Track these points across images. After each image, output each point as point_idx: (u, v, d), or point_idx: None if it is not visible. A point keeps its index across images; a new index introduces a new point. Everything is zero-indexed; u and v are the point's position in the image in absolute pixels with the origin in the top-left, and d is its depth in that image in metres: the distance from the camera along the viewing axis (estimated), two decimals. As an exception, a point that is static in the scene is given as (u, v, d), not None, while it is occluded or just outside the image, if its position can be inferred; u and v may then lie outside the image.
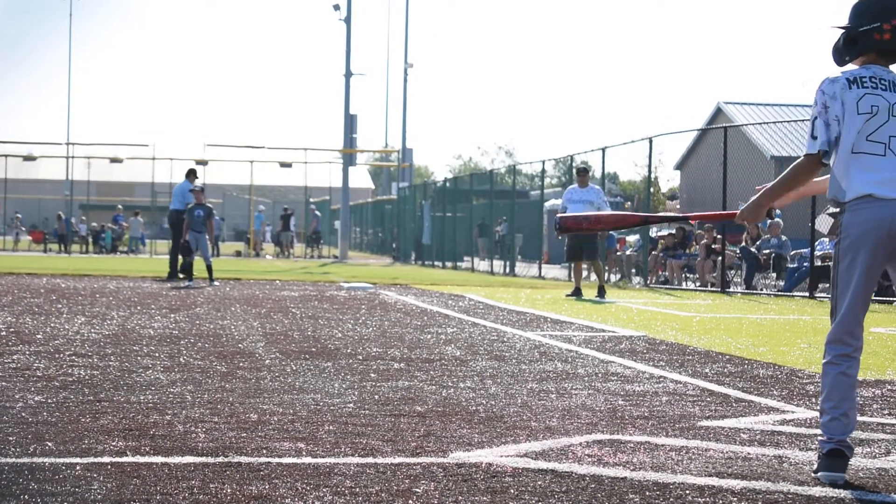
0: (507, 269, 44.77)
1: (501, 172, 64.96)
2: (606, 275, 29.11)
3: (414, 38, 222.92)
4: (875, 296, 26.09)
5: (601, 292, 26.29)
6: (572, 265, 27.84)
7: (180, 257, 29.95)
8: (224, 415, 8.50)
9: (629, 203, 60.41)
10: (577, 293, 26.34)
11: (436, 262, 52.59)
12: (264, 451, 7.12)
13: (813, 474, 6.72)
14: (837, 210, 6.76)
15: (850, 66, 6.85)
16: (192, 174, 31.90)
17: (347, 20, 56.10)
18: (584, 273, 32.42)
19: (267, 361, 11.95)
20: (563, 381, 10.81)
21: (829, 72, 6.90)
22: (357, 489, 6.17)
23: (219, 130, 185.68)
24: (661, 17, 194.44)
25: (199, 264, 29.52)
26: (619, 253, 37.96)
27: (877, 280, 6.77)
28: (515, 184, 53.70)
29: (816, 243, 28.56)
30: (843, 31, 6.83)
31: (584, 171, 27.76)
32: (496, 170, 61.88)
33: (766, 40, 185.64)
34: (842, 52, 6.85)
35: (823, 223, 29.21)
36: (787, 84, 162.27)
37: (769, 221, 32.48)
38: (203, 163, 63.78)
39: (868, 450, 7.61)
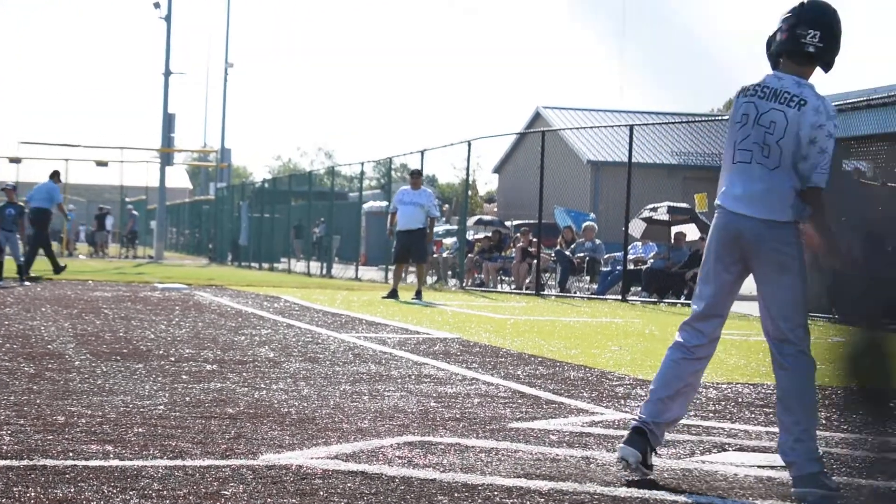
0: (324, 271, 44.66)
1: (320, 174, 64.81)
2: (424, 277, 29.25)
3: (234, 37, 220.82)
4: (687, 299, 26.61)
5: (419, 295, 26.37)
6: (394, 266, 27.87)
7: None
8: (30, 417, 8.33)
9: (447, 206, 60.75)
10: (393, 295, 26.38)
11: (252, 264, 52.22)
12: (71, 454, 6.99)
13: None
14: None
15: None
16: (55, 175, 31.46)
17: (167, 18, 55.37)
18: (403, 275, 32.51)
19: (77, 363, 11.74)
20: (376, 383, 10.82)
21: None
22: (165, 492, 6.10)
23: (33, 128, 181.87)
24: (480, 20, 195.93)
25: (11, 264, 28.89)
26: (435, 255, 38.12)
27: (734, 284, 6.91)
28: (334, 185, 53.61)
29: (629, 247, 29.04)
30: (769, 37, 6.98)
31: (416, 174, 27.89)
32: (315, 171, 61.73)
33: (584, 46, 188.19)
34: (769, 58, 6.99)
35: (636, 227, 29.73)
36: (605, 90, 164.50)
37: (584, 224, 32.96)
38: (16, 160, 62.43)
39: (673, 451, 7.75)
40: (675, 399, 6.91)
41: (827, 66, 6.86)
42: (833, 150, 6.75)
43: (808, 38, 6.76)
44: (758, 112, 6.78)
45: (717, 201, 6.92)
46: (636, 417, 6.96)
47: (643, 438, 6.82)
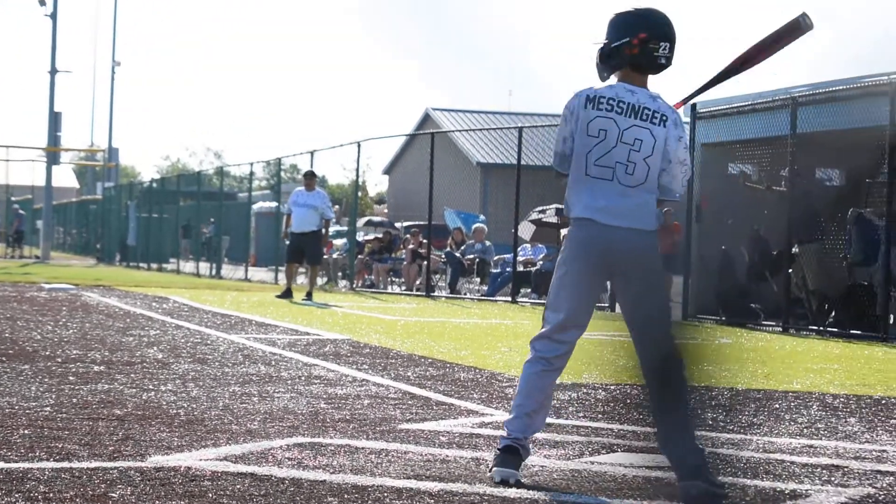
0: (214, 272, 44.38)
1: (209, 174, 64.38)
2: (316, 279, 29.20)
3: (122, 36, 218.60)
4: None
5: (309, 296, 26.38)
6: (287, 266, 27.83)
7: None
8: (-88, 419, 8.19)
9: (338, 206, 60.62)
10: (287, 294, 26.37)
11: (141, 264, 51.74)
12: (-46, 457, 6.89)
13: (488, 472, 6.83)
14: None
15: (611, 80, 6.89)
16: None
17: (53, 16, 54.66)
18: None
19: (-40, 364, 11.57)
20: (265, 385, 10.78)
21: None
22: (51, 494, 6.03)
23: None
24: (369, 21, 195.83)
25: None
26: (325, 256, 38.01)
27: (594, 294, 6.94)
28: (223, 185, 53.29)
29: (519, 249, 29.18)
30: (599, 46, 6.87)
31: (310, 176, 27.91)
32: (204, 171, 61.30)
33: (474, 48, 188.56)
34: (600, 68, 6.91)
35: (526, 230, 29.88)
36: (495, 92, 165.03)
37: (474, 226, 33.06)
38: None
39: (563, 451, 7.81)
40: (539, 412, 6.94)
41: (662, 71, 6.90)
42: (687, 163, 6.85)
43: (660, 52, 6.79)
44: (619, 129, 6.73)
45: (577, 214, 6.82)
46: (505, 436, 6.88)
47: (517, 456, 6.80)
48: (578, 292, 6.86)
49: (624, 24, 6.81)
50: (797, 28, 7.16)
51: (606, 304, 22.38)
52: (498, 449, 6.86)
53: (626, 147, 6.72)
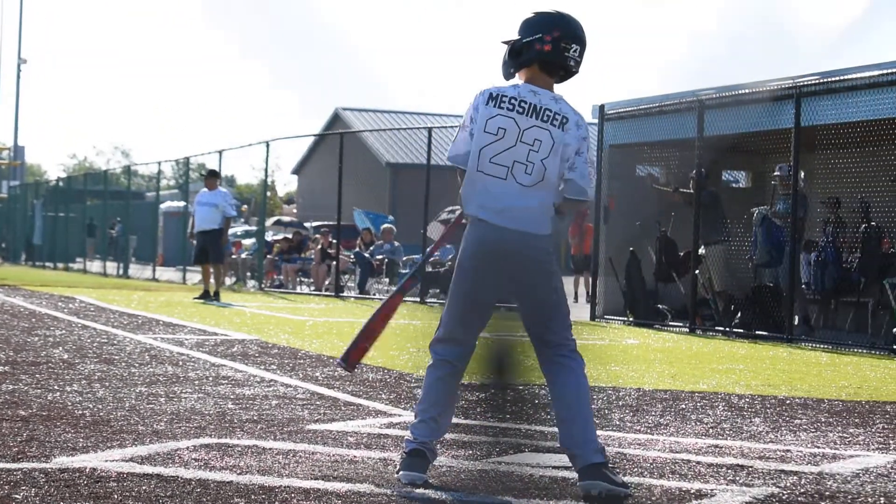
0: (121, 271, 44.03)
1: (117, 173, 63.81)
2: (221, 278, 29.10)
3: (27, 33, 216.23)
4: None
5: (216, 296, 26.39)
6: (202, 267, 27.74)
7: None
8: None
9: (246, 206, 60.34)
10: (205, 296, 26.35)
11: (47, 263, 51.19)
12: None
13: (395, 474, 6.82)
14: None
15: (515, 80, 6.86)
16: None
17: (-44, 11, 53.94)
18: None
19: None
20: (172, 385, 10.71)
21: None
22: (-47, 497, 5.95)
23: None
24: (278, 20, 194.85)
25: None
26: (234, 256, 37.84)
27: (490, 294, 6.86)
28: (131, 185, 52.86)
29: (428, 249, 29.19)
30: (508, 43, 6.83)
31: (212, 175, 27.85)
32: (111, 170, 60.76)
33: (383, 48, 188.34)
34: (507, 65, 6.86)
35: (435, 230, 29.89)
36: (404, 92, 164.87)
37: (383, 226, 33.05)
38: None
39: (470, 452, 7.82)
40: (444, 415, 6.94)
41: (568, 78, 6.91)
42: (590, 159, 6.84)
43: (571, 53, 6.79)
44: (519, 129, 6.71)
45: (471, 212, 6.81)
46: (411, 440, 6.85)
47: (423, 459, 6.79)
48: (474, 293, 6.85)
49: (539, 22, 6.81)
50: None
51: (514, 305, 22.42)
52: (404, 452, 6.85)
53: (525, 147, 6.71)
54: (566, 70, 6.85)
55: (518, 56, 6.82)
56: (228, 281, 35.67)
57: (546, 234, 6.76)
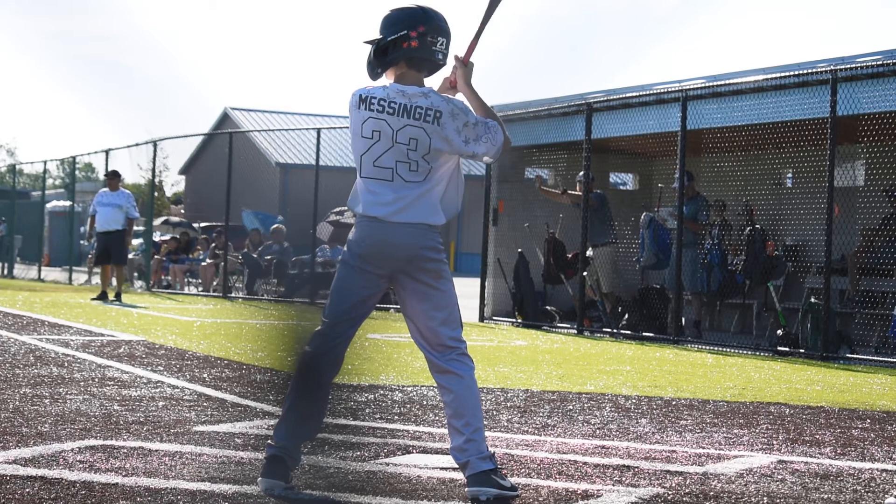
0: (6, 271, 43.43)
1: (2, 172, 62.88)
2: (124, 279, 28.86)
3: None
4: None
5: (118, 297, 26.37)
6: (101, 268, 27.53)
7: None
8: None
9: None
10: (102, 297, 26.15)
11: (-72, 263, 50.31)
12: None
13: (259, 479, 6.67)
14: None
15: (383, 80, 6.80)
16: None
17: None
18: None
19: None
20: (57, 386, 10.58)
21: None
22: None
23: None
24: (168, 17, 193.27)
25: None
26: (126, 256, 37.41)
27: (367, 290, 6.78)
28: (16, 184, 52.12)
29: (317, 250, 29.11)
30: (373, 43, 6.75)
31: (114, 175, 27.84)
32: (-4, 168, 59.82)
33: (274, 48, 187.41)
34: (373, 65, 6.77)
35: (324, 231, 29.84)
36: (293, 92, 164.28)
37: (273, 227, 32.90)
38: None
39: (359, 453, 7.81)
40: (311, 417, 6.79)
41: (436, 71, 6.87)
42: (481, 119, 6.77)
43: (438, 46, 6.76)
44: (392, 130, 6.65)
45: (359, 211, 6.76)
46: (271, 443, 6.69)
47: (283, 466, 6.61)
48: (349, 287, 6.77)
49: (401, 19, 6.73)
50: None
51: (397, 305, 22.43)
52: (265, 456, 6.68)
53: (402, 147, 6.65)
54: (434, 64, 6.81)
55: (384, 55, 6.75)
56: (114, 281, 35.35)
57: (437, 224, 6.75)
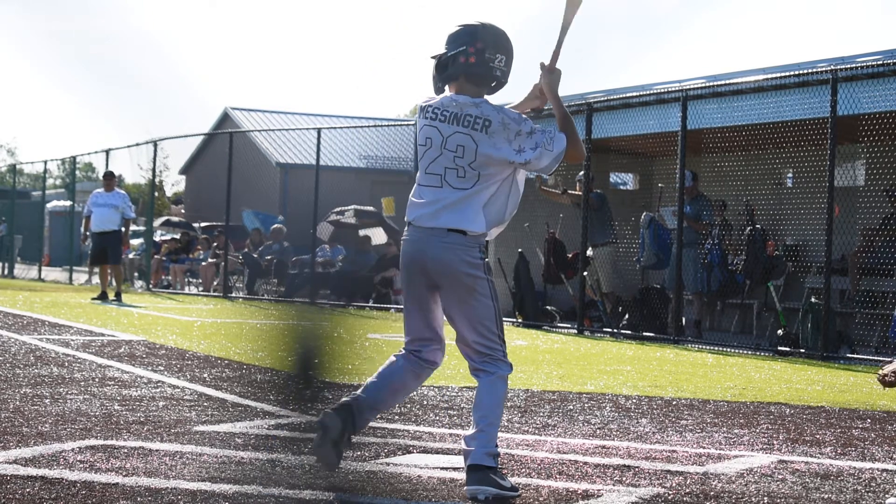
0: (6, 271, 43.44)
1: (2, 171, 62.89)
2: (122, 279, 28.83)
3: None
4: (375, 303, 26.85)
5: (118, 297, 26.25)
6: (97, 270, 27.58)
7: None
8: None
9: (134, 206, 59.78)
10: (102, 297, 26.15)
11: (-71, 263, 50.34)
12: None
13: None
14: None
15: (446, 92, 6.93)
16: None
17: None
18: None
19: None
20: (58, 386, 10.58)
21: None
22: None
23: None
24: (168, 19, 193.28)
25: None
26: (122, 256, 37.43)
27: (429, 298, 6.94)
28: (17, 184, 52.13)
29: (318, 250, 29.12)
30: (436, 58, 6.92)
31: (110, 176, 27.93)
32: (-5, 168, 59.82)
33: (274, 48, 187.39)
34: (436, 80, 6.95)
35: (324, 231, 29.85)
36: (293, 92, 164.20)
37: (273, 227, 32.91)
38: None
39: (359, 453, 7.81)
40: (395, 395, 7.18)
41: (500, 88, 7.03)
42: (540, 129, 6.85)
43: (496, 63, 6.89)
44: (442, 137, 6.81)
45: (406, 218, 6.96)
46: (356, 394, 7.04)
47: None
48: (414, 304, 7.01)
49: (462, 35, 6.89)
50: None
51: (398, 305, 22.43)
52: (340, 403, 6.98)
53: (450, 154, 6.79)
54: (493, 80, 6.94)
55: (445, 70, 6.91)
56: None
57: (476, 232, 6.83)
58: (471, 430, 6.74)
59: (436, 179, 6.83)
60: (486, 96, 6.96)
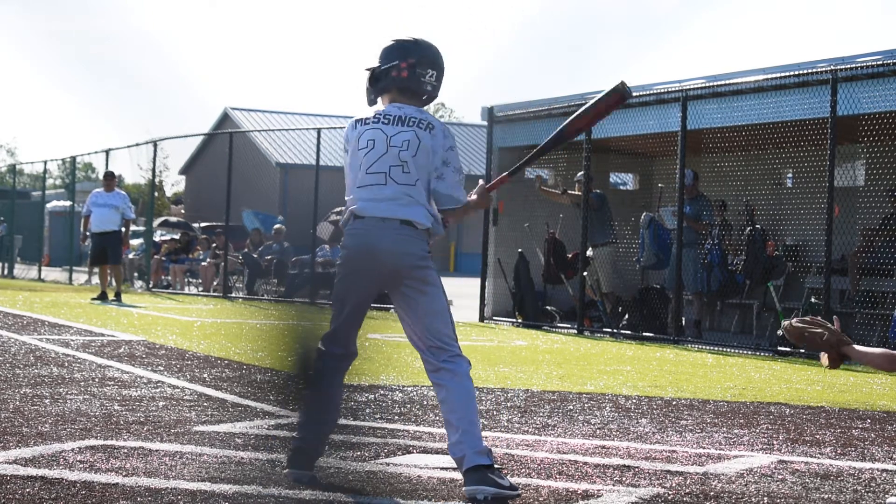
0: (6, 272, 43.44)
1: (2, 171, 62.89)
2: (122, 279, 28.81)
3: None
4: (374, 303, 26.84)
5: (118, 297, 26.25)
6: (97, 270, 27.57)
7: None
8: None
9: (134, 206, 59.79)
10: (102, 297, 26.15)
11: (-71, 263, 50.31)
12: None
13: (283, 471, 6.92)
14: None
15: (379, 105, 7.07)
16: None
17: None
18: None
19: None
20: (58, 386, 10.58)
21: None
22: None
23: None
24: (165, 19, 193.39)
25: None
26: (122, 257, 37.42)
27: (366, 302, 7.05)
28: (16, 184, 52.14)
29: (318, 250, 29.11)
30: (370, 70, 7.05)
31: (110, 176, 27.92)
32: (-5, 168, 59.82)
33: (274, 48, 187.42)
34: (369, 91, 7.09)
35: (324, 231, 29.84)
36: (293, 92, 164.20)
37: (274, 227, 32.91)
38: None
39: (359, 453, 7.82)
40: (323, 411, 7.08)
41: (430, 101, 7.16)
42: (460, 166, 7.04)
43: (427, 78, 7.04)
44: (386, 136, 6.89)
45: (352, 209, 6.92)
46: (296, 436, 7.00)
47: (307, 457, 6.93)
48: (354, 297, 7.01)
49: (395, 50, 7.04)
50: (619, 97, 7.41)
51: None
52: (289, 449, 6.96)
53: (395, 150, 6.87)
54: (426, 94, 7.09)
55: (377, 82, 7.07)
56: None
57: (423, 226, 6.88)
58: (453, 437, 6.70)
59: (380, 178, 6.87)
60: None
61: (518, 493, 6.62)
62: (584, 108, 7.53)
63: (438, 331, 6.83)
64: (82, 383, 10.91)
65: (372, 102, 7.10)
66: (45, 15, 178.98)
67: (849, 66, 17.49)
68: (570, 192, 21.88)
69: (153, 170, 36.04)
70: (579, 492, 6.87)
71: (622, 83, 7.40)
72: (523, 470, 7.48)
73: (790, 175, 22.12)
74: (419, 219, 6.83)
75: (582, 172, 21.30)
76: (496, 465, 6.70)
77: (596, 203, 21.47)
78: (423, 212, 6.86)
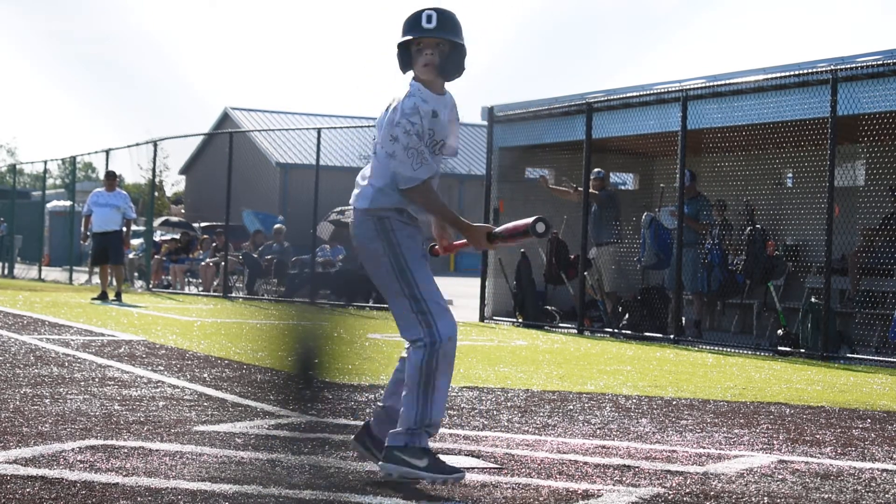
0: (6, 271, 43.45)
1: (2, 171, 62.87)
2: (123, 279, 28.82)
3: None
4: (375, 303, 26.84)
5: (118, 296, 26.36)
6: (98, 269, 27.60)
7: None
8: None
9: (134, 206, 59.79)
10: (103, 297, 26.17)
11: (-71, 263, 50.33)
12: None
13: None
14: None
15: (409, 76, 6.94)
16: None
17: None
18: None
19: None
20: (58, 386, 10.58)
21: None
22: None
23: None
24: (168, 19, 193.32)
25: None
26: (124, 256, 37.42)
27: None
28: (17, 183, 52.15)
29: (318, 249, 29.12)
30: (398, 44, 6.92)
31: (111, 176, 27.97)
32: (-4, 168, 59.80)
33: (274, 48, 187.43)
34: (400, 64, 6.95)
35: (324, 230, 29.86)
36: (293, 92, 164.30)
37: (274, 227, 32.91)
38: None
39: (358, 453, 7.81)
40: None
41: (456, 77, 6.95)
42: (413, 144, 6.73)
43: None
44: (380, 121, 6.92)
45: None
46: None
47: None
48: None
49: (414, 24, 6.86)
50: (525, 233, 7.08)
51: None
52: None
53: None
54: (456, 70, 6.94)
55: (402, 56, 6.93)
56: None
57: (365, 208, 6.91)
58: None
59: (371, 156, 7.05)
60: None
61: (455, 475, 6.76)
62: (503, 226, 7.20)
63: (392, 304, 6.91)
64: (82, 383, 10.91)
65: (404, 73, 6.95)
66: (45, 15, 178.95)
67: (849, 66, 17.50)
68: (580, 189, 21.68)
69: (153, 170, 36.05)
70: (579, 492, 6.86)
71: (540, 222, 6.99)
72: (523, 470, 7.48)
73: (790, 175, 22.13)
74: (360, 203, 6.93)
75: (598, 170, 21.32)
76: (422, 446, 6.79)
77: (605, 200, 21.43)
78: (369, 191, 6.89)
